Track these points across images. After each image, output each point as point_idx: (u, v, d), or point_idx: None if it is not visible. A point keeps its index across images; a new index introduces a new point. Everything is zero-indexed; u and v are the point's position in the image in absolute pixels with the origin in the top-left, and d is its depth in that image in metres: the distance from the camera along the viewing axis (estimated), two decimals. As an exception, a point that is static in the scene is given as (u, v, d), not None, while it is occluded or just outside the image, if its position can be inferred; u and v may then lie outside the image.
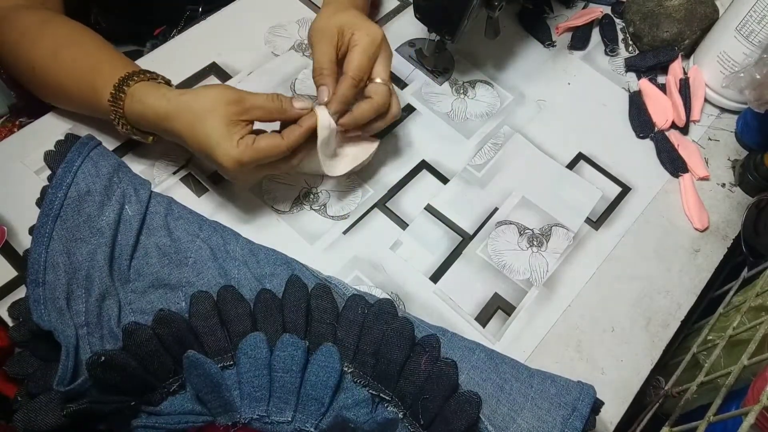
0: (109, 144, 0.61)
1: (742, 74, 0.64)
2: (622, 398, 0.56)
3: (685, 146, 0.70)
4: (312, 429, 0.46)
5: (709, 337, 0.60)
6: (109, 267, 0.51)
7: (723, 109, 0.74)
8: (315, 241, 0.60)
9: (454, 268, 0.60)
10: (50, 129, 0.62)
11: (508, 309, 0.58)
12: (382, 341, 0.48)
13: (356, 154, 0.60)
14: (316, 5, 0.76)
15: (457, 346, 0.52)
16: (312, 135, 0.55)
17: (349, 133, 0.58)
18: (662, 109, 0.72)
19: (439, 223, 0.62)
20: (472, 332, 0.57)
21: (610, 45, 0.77)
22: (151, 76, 0.56)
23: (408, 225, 0.62)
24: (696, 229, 0.65)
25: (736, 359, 0.48)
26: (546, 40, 0.77)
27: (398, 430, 0.47)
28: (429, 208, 0.63)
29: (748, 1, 0.66)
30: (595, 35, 0.79)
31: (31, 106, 0.69)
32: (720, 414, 0.44)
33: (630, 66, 0.76)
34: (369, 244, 0.60)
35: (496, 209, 0.64)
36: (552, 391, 0.50)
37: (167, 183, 0.61)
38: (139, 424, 0.47)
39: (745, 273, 0.64)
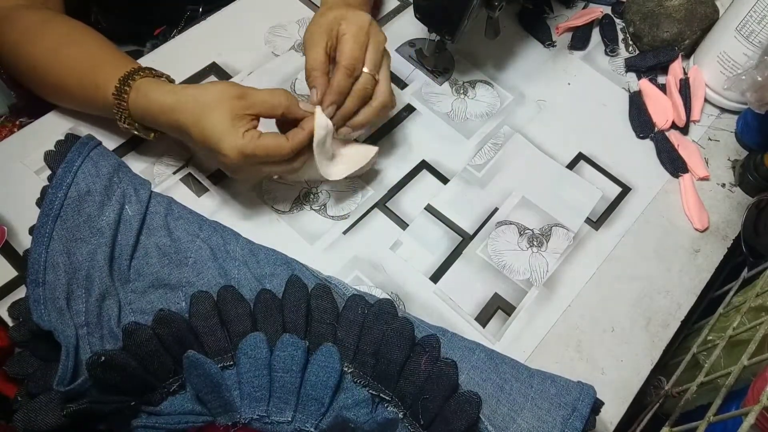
0: (109, 144, 0.61)
1: (743, 76, 0.64)
2: (622, 398, 0.56)
3: (685, 146, 0.70)
4: (312, 429, 0.46)
5: (709, 337, 0.60)
6: (109, 267, 0.51)
7: (723, 110, 0.74)
8: (315, 241, 0.60)
9: (454, 268, 0.60)
10: (50, 129, 0.62)
11: (508, 309, 0.58)
12: (382, 341, 0.48)
13: (354, 159, 0.60)
14: (316, 5, 0.76)
15: (457, 346, 0.52)
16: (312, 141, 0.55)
17: (341, 131, 0.58)
18: (662, 109, 0.72)
19: (439, 223, 0.62)
20: (472, 332, 0.57)
21: (610, 45, 0.77)
22: (156, 73, 0.57)
23: (408, 225, 0.62)
24: (696, 229, 0.65)
25: (736, 359, 0.48)
26: (546, 40, 0.77)
27: (398, 430, 0.47)
28: (429, 208, 0.63)
29: (748, 1, 0.66)
30: (595, 35, 0.79)
31: (31, 106, 0.69)
32: (720, 414, 0.44)
33: (630, 66, 0.76)
34: (369, 244, 0.60)
35: (496, 209, 0.64)
36: (552, 391, 0.50)
37: (167, 183, 0.61)
38: (139, 424, 0.47)
39: (745, 273, 0.63)
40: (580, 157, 0.69)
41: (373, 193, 0.63)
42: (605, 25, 0.79)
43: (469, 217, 0.63)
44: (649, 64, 0.75)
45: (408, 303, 0.58)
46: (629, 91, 0.74)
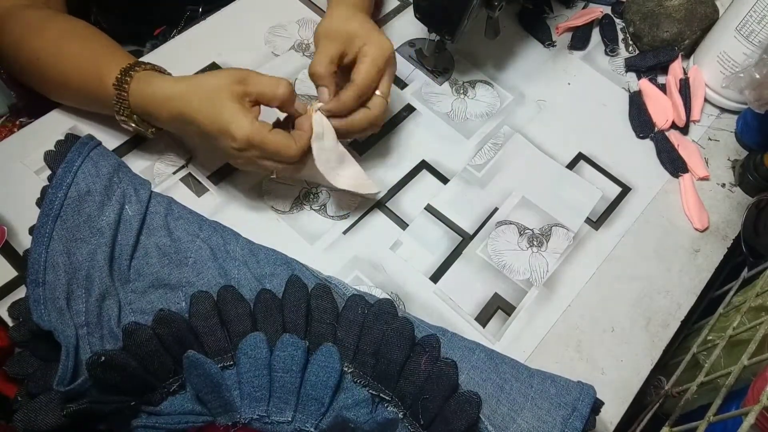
0: (109, 144, 0.61)
1: (742, 74, 0.64)
2: (622, 398, 0.56)
3: (685, 146, 0.70)
4: (312, 429, 0.46)
5: (709, 337, 0.60)
6: (109, 267, 0.51)
7: (723, 109, 0.74)
8: (315, 241, 0.60)
9: (454, 268, 0.60)
10: (50, 129, 0.62)
11: (508, 309, 0.58)
12: (382, 341, 0.48)
13: (356, 182, 0.59)
14: (316, 5, 0.76)
15: (457, 346, 0.52)
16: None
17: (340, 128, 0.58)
18: (662, 109, 0.72)
19: (439, 223, 0.62)
20: (472, 332, 0.57)
21: (610, 45, 0.77)
22: (157, 68, 0.57)
23: (408, 225, 0.62)
24: (696, 229, 0.65)
25: (736, 359, 0.48)
26: (546, 40, 0.77)
27: (398, 430, 0.47)
28: (429, 208, 0.63)
29: (748, 1, 0.66)
30: (595, 35, 0.79)
31: (31, 106, 0.69)
32: (720, 414, 0.44)
33: (630, 66, 0.76)
34: (369, 244, 0.60)
35: (496, 209, 0.64)
36: (552, 391, 0.50)
37: (167, 183, 0.61)
38: (139, 424, 0.47)
39: (745, 273, 0.63)
40: (580, 157, 0.69)
41: (373, 193, 0.63)
42: (605, 25, 0.79)
43: (469, 217, 0.63)
44: (649, 64, 0.75)
45: (408, 303, 0.58)
46: (629, 91, 0.74)
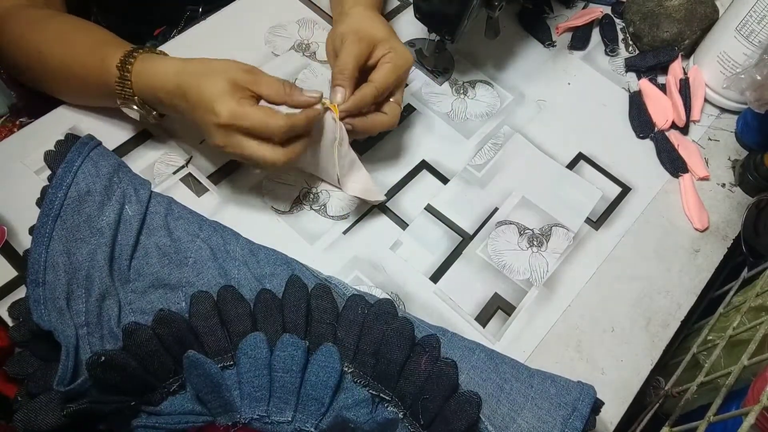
0: (110, 144, 0.61)
1: (742, 75, 0.64)
2: (622, 398, 0.56)
3: (685, 146, 0.70)
4: (312, 429, 0.46)
5: (709, 337, 0.60)
6: (109, 267, 0.51)
7: (723, 109, 0.74)
8: (315, 241, 0.60)
9: (454, 268, 0.60)
10: (50, 129, 0.62)
11: (508, 309, 0.58)
12: (382, 341, 0.48)
13: (365, 188, 0.59)
14: (316, 5, 0.76)
15: (457, 346, 0.52)
16: (311, 138, 0.55)
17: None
18: (662, 109, 0.72)
19: (439, 223, 0.62)
20: (472, 332, 0.57)
21: (610, 45, 0.77)
22: (161, 52, 0.58)
23: (408, 225, 0.62)
24: (696, 229, 0.65)
25: (736, 359, 0.48)
26: (546, 40, 0.77)
27: (398, 430, 0.47)
28: (429, 208, 0.63)
29: (748, 1, 0.66)
30: (595, 35, 0.79)
31: (31, 106, 0.69)
32: (720, 414, 0.44)
33: (630, 66, 0.76)
34: (369, 244, 0.60)
35: (496, 209, 0.64)
36: (552, 391, 0.50)
37: (167, 183, 0.61)
38: (139, 424, 0.47)
39: (745, 273, 0.63)
40: (580, 157, 0.69)
41: (373, 193, 0.63)
42: (605, 25, 0.79)
43: (469, 217, 0.63)
44: (649, 64, 0.75)
45: (408, 303, 0.58)
46: (629, 91, 0.74)
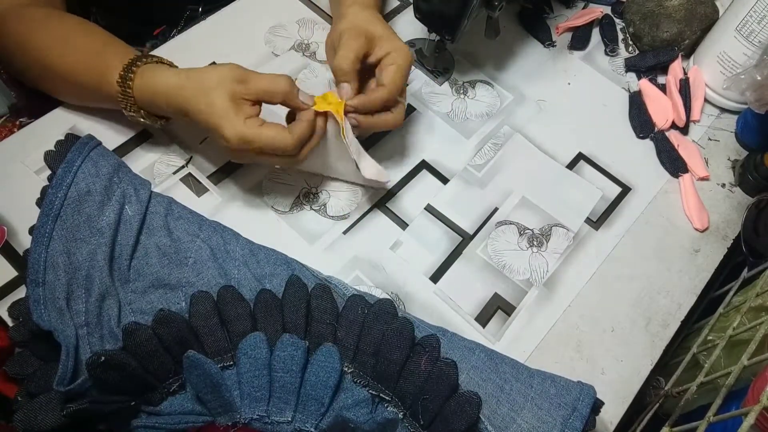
0: (109, 144, 0.61)
1: (743, 76, 0.64)
2: (622, 398, 0.56)
3: (685, 146, 0.70)
4: (312, 429, 0.46)
5: (709, 337, 0.60)
6: (109, 267, 0.51)
7: (723, 109, 0.74)
8: (315, 241, 0.60)
9: (454, 268, 0.60)
10: (50, 129, 0.62)
11: (508, 309, 0.58)
12: (382, 341, 0.48)
13: (376, 170, 0.59)
14: (316, 5, 0.76)
15: (457, 346, 0.52)
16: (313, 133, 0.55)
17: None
18: (662, 109, 0.72)
19: (439, 223, 0.62)
20: (472, 332, 0.57)
21: (610, 45, 0.77)
22: (159, 60, 0.58)
23: (408, 225, 0.62)
24: (696, 229, 0.65)
25: (736, 359, 0.48)
26: (546, 40, 0.77)
27: (398, 430, 0.47)
28: (429, 208, 0.63)
29: (748, 1, 0.66)
30: (595, 35, 0.79)
31: (31, 106, 0.69)
32: (720, 414, 0.44)
33: (630, 66, 0.76)
34: (369, 244, 0.60)
35: (496, 209, 0.64)
36: (552, 391, 0.50)
37: (167, 183, 0.61)
38: (139, 424, 0.47)
39: (745, 273, 0.63)
40: (580, 157, 0.69)
41: (373, 193, 0.63)
42: (605, 25, 0.79)
43: (469, 217, 0.63)
44: (649, 64, 0.75)
45: (408, 303, 0.58)
46: (629, 91, 0.74)
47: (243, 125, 0.51)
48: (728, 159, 0.71)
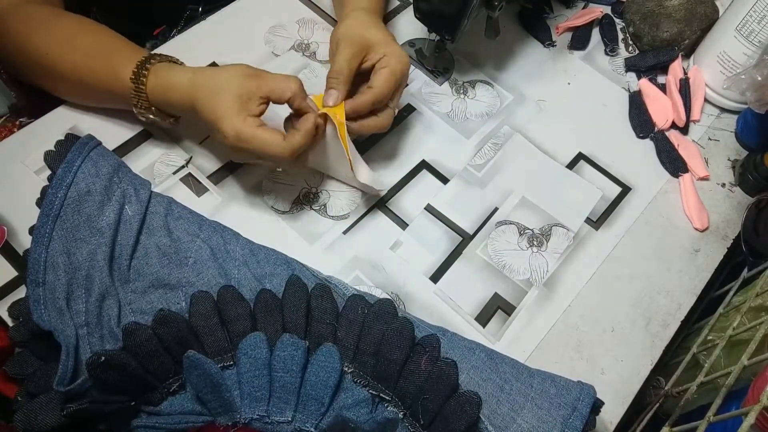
0: (109, 144, 0.61)
1: (743, 76, 0.64)
2: (622, 398, 0.56)
3: (685, 146, 0.70)
4: (312, 429, 0.46)
5: (709, 337, 0.60)
6: (109, 267, 0.51)
7: (723, 109, 0.74)
8: (315, 241, 0.60)
9: (454, 268, 0.60)
10: (50, 129, 0.62)
11: (508, 309, 0.58)
12: (382, 341, 0.48)
13: (371, 176, 0.59)
14: (316, 5, 0.76)
15: (457, 346, 0.52)
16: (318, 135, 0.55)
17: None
18: (662, 109, 0.72)
19: (439, 223, 0.62)
20: (472, 332, 0.57)
21: (610, 45, 0.77)
22: (171, 59, 0.58)
23: (408, 225, 0.62)
24: (696, 229, 0.65)
25: (736, 359, 0.48)
26: (546, 40, 0.77)
27: (398, 430, 0.47)
28: (429, 208, 0.63)
29: (748, 1, 0.66)
30: (595, 35, 0.79)
31: (31, 106, 0.69)
32: (720, 414, 0.44)
33: (630, 66, 0.76)
34: (369, 244, 0.60)
35: (496, 209, 0.64)
36: (552, 391, 0.50)
37: (167, 183, 0.61)
38: (139, 424, 0.47)
39: (745, 273, 0.63)
40: (580, 157, 0.69)
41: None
42: (605, 25, 0.79)
43: (469, 217, 0.63)
44: (649, 64, 0.75)
45: (408, 303, 0.58)
46: (629, 91, 0.74)
47: (242, 123, 0.51)
48: (728, 159, 0.71)
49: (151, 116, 0.58)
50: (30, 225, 0.54)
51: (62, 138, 0.57)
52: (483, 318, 0.58)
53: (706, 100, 0.74)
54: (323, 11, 0.76)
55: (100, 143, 0.57)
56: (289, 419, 0.47)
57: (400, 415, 0.48)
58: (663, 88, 0.74)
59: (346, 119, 0.56)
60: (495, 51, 0.75)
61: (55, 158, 0.55)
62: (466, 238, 0.62)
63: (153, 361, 0.47)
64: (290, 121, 0.56)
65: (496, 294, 0.59)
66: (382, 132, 0.61)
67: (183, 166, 0.62)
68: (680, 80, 0.74)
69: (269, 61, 0.71)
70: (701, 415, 0.45)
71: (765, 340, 0.48)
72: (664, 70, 0.76)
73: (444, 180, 0.65)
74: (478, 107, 0.71)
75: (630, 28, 0.78)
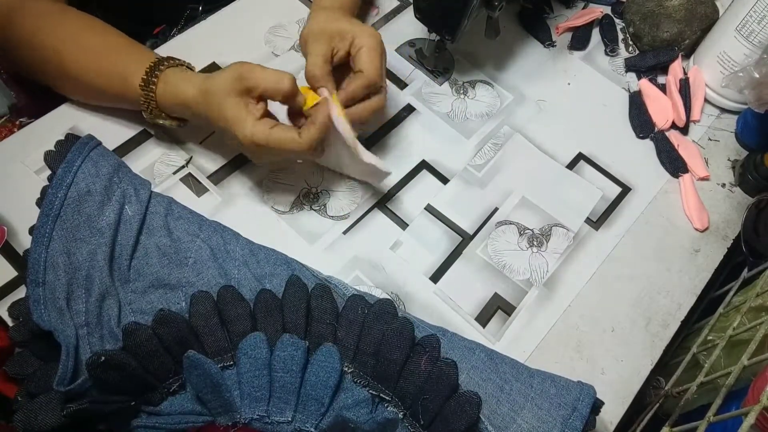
0: (109, 144, 0.61)
1: (741, 74, 0.64)
2: (622, 398, 0.56)
3: (685, 146, 0.70)
4: (312, 429, 0.46)
5: (709, 337, 0.60)
6: (109, 267, 0.51)
7: (723, 109, 0.74)
8: (315, 241, 0.60)
9: (454, 268, 0.60)
10: (50, 129, 0.62)
11: (508, 309, 0.58)
12: (382, 341, 0.48)
13: (377, 162, 0.59)
14: (316, 5, 0.76)
15: (457, 346, 0.52)
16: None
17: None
18: (662, 109, 0.72)
19: (439, 223, 0.62)
20: (472, 332, 0.57)
21: (610, 45, 0.77)
22: (179, 62, 0.58)
23: (408, 225, 0.62)
24: (696, 229, 0.65)
25: (736, 359, 0.48)
26: (546, 40, 0.77)
27: (398, 430, 0.47)
28: (429, 208, 0.63)
29: (748, 1, 0.66)
30: (595, 35, 0.79)
31: (31, 106, 0.69)
32: (720, 414, 0.44)
33: (630, 66, 0.76)
34: (369, 244, 0.60)
35: (496, 209, 0.64)
36: (552, 391, 0.50)
37: (167, 183, 0.61)
38: (139, 424, 0.47)
39: (745, 273, 0.63)
40: (580, 157, 0.69)
41: (373, 193, 0.63)
42: (605, 25, 0.79)
43: (469, 217, 0.63)
44: (649, 64, 0.75)
45: (408, 303, 0.58)
46: (629, 91, 0.74)
47: (252, 127, 0.51)
48: (728, 159, 0.71)
49: (161, 121, 0.58)
50: (30, 225, 0.54)
51: (62, 138, 0.57)
52: (483, 318, 0.58)
53: (706, 101, 0.74)
54: (323, 11, 0.76)
55: (100, 143, 0.57)
56: (289, 419, 0.47)
57: (400, 416, 0.48)
58: (663, 88, 0.74)
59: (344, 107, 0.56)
60: (495, 51, 0.75)
61: (55, 158, 0.55)
62: (466, 238, 0.62)
63: (153, 361, 0.47)
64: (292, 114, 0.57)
65: (496, 294, 0.59)
66: (380, 109, 0.60)
67: (183, 166, 0.62)
68: (680, 80, 0.74)
69: (269, 61, 0.71)
70: (701, 415, 0.45)
71: (765, 340, 0.48)
72: (664, 70, 0.76)
73: (444, 180, 0.65)
74: (478, 107, 0.71)
75: (630, 29, 0.78)
